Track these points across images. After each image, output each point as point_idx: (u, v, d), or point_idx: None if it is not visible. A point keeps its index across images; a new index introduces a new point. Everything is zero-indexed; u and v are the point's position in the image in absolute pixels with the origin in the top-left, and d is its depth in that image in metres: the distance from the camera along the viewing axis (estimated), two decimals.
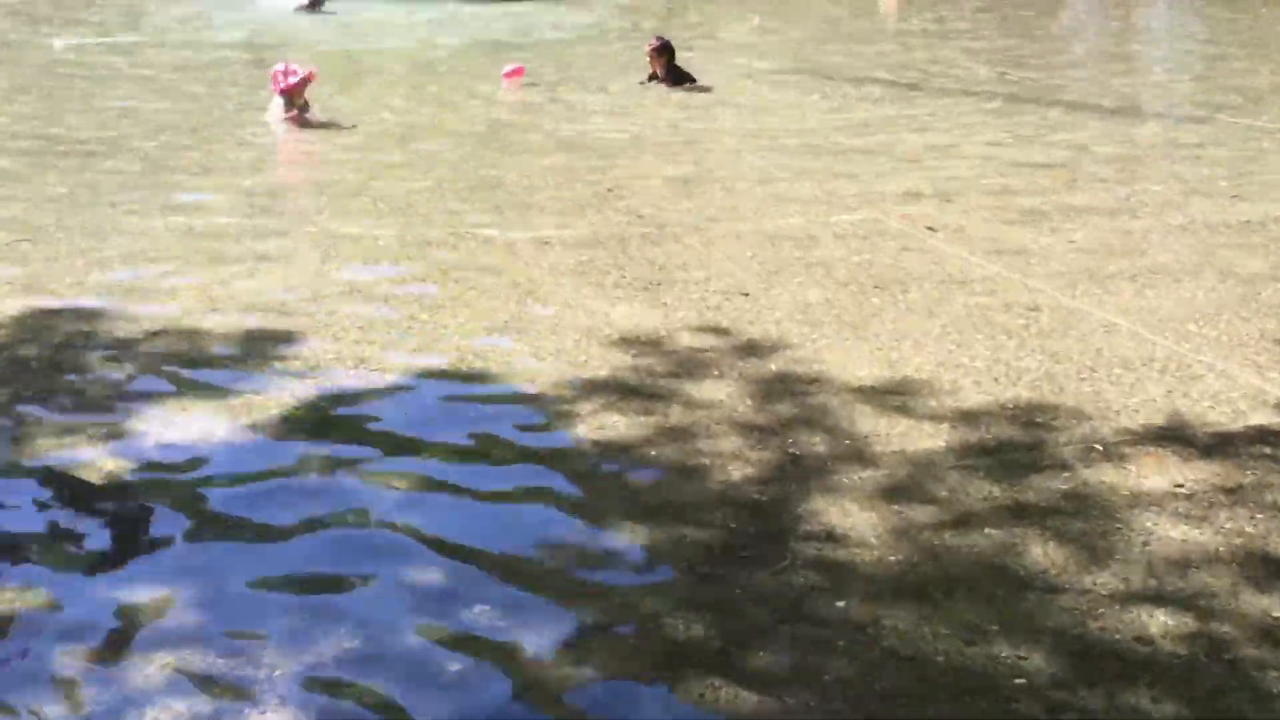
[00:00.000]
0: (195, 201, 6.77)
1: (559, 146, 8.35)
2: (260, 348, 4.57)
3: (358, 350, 4.54)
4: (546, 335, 4.73)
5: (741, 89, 10.86)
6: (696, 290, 5.33)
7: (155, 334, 4.67)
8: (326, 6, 15.69)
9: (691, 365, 4.46)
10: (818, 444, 3.78)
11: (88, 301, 5.04)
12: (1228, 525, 3.29)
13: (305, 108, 9.03)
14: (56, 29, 13.96)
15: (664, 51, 10.63)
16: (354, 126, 8.90)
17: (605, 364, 4.45)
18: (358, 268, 5.57)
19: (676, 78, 10.58)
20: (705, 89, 10.56)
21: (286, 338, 4.66)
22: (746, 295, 5.23)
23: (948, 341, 4.71)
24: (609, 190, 7.15)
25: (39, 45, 12.84)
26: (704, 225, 6.40)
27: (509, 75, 10.79)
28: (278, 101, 8.98)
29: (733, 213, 6.69)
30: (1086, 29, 16.53)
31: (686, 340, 4.72)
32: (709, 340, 4.72)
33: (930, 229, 6.30)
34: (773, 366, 4.46)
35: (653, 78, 10.61)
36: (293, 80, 8.97)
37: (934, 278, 5.50)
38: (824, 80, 11.28)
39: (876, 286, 5.38)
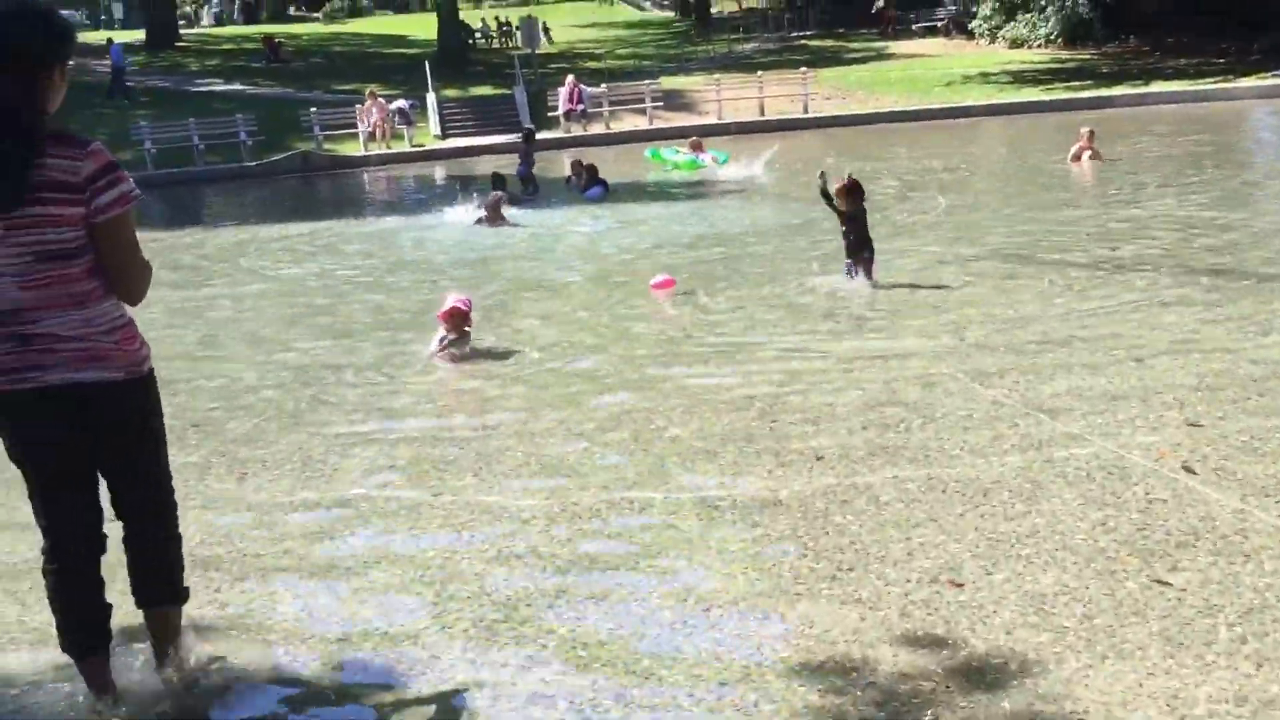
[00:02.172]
0: (330, 464, 6.12)
1: (721, 372, 7.49)
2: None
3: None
4: (706, 662, 3.75)
5: (933, 276, 9.90)
6: (897, 576, 4.30)
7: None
8: (514, 217, 15.55)
9: (900, 705, 3.41)
10: None
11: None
12: None
13: (464, 338, 8.50)
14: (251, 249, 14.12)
15: (853, 192, 9.74)
16: (513, 357, 8.27)
17: (783, 708, 3.44)
18: (482, 568, 4.73)
19: (860, 237, 9.71)
20: (904, 284, 9.66)
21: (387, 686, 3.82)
22: (960, 586, 4.16)
23: (1245, 659, 3.52)
24: (773, 424, 6.23)
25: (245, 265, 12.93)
26: (900, 473, 5.38)
27: (659, 287, 10.14)
28: (440, 332, 8.51)
29: (935, 453, 5.64)
30: None
31: (889, 662, 3.67)
32: (919, 661, 3.66)
33: (1187, 469, 5.12)
34: (1007, 705, 3.37)
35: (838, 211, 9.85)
36: (447, 308, 8.48)
37: (1206, 545, 4.32)
38: (1022, 263, 10.23)
39: (1132, 556, 4.24)
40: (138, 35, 46.97)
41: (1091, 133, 17.32)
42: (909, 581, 4.24)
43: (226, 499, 5.66)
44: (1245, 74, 28.92)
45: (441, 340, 8.43)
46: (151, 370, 3.49)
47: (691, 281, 10.61)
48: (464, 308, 8.50)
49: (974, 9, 39.70)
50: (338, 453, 6.32)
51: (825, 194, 9.90)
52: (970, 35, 40.74)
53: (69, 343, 3.26)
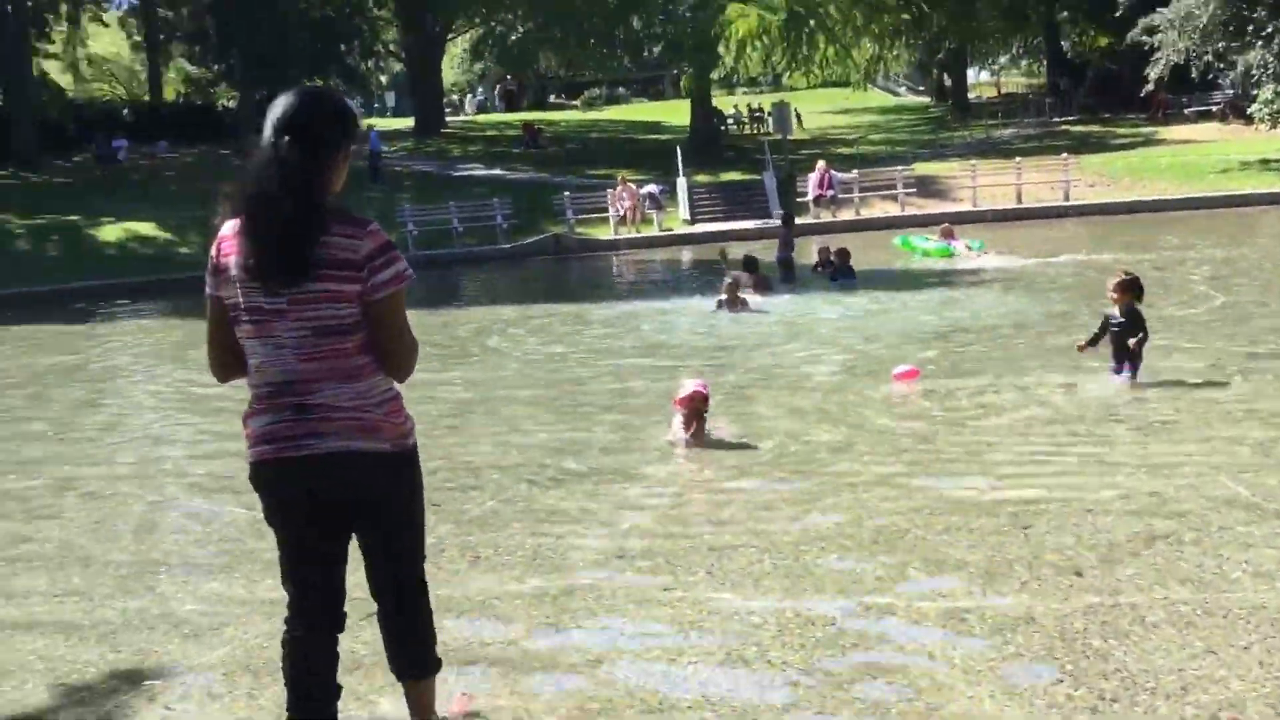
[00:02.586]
0: (561, 552, 6.03)
1: (969, 473, 7.05)
2: None
3: None
4: None
5: (1208, 378, 9.14)
6: (1169, 712, 3.84)
7: None
8: (757, 304, 15.44)
9: None
10: None
11: None
12: None
13: (701, 425, 8.34)
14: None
15: (1130, 288, 9.11)
16: (750, 449, 8.04)
17: None
18: (707, 674, 4.48)
19: (1132, 322, 9.06)
20: (1174, 385, 8.97)
21: None
22: None
23: None
24: (1026, 531, 5.78)
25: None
26: (1172, 595, 4.87)
27: (902, 377, 9.74)
28: (677, 419, 8.39)
29: (1213, 575, 5.09)
30: None
31: None
32: None
33: None
34: None
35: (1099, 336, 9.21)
36: (686, 394, 8.34)
37: None
38: None
39: None
40: (408, 122, 49.79)
41: None
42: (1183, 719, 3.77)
43: (457, 582, 5.63)
44: None
45: (679, 427, 8.30)
46: (415, 445, 3.56)
47: (938, 374, 10.18)
48: (703, 392, 8.35)
49: (1254, 92, 37.47)
50: (570, 539, 6.23)
51: (1095, 336, 9.35)
52: (1249, 120, 38.44)
53: (344, 413, 3.36)
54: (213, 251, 3.42)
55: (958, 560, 5.49)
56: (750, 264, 16.03)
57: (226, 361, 3.50)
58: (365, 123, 47.98)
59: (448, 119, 52.22)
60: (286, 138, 3.30)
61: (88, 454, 9.35)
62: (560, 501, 7.01)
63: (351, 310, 3.32)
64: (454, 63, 62.32)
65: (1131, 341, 9.02)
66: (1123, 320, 9.14)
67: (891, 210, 29.43)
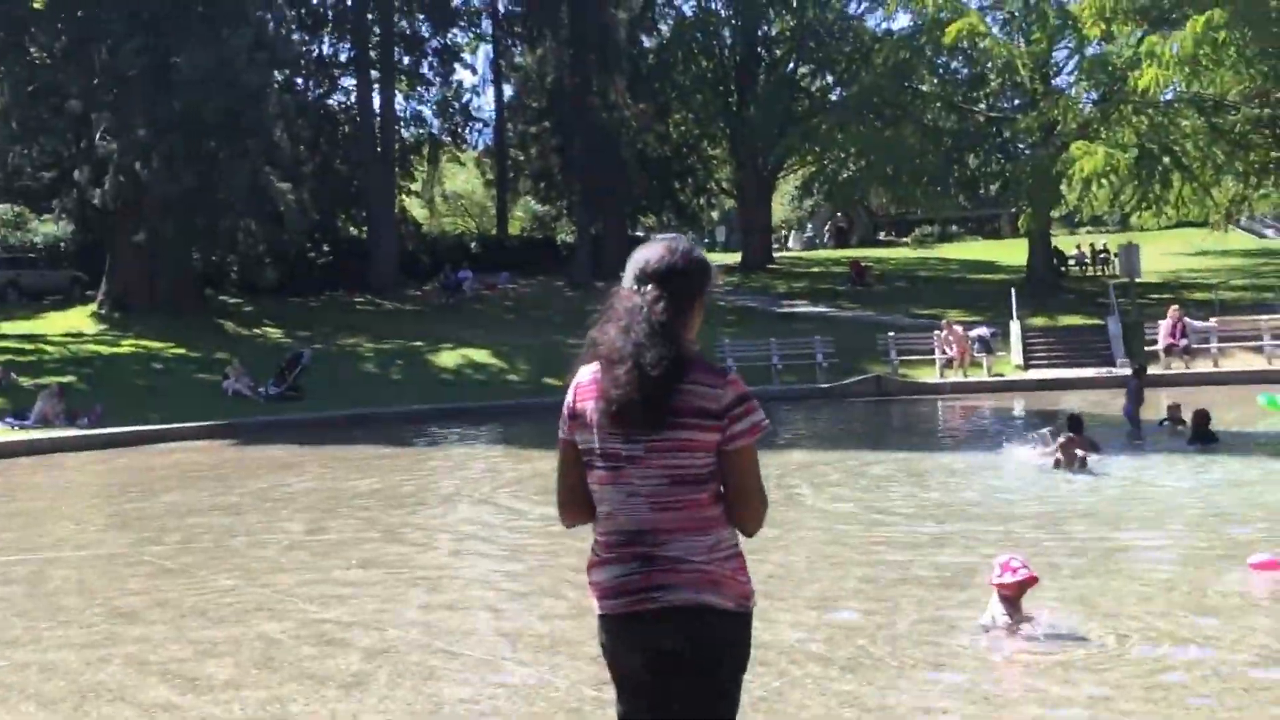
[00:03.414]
0: None
1: None
2: None
3: None
4: None
5: None
6: None
7: None
8: (1094, 464, 13.98)
9: None
10: None
11: None
12: None
13: (1024, 614, 7.26)
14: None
15: None
16: (1082, 641, 6.87)
17: None
18: None
19: None
20: None
21: None
22: None
23: None
24: None
25: None
26: None
27: (1261, 567, 8.25)
28: (996, 601, 7.34)
29: None
30: None
31: None
32: None
33: None
34: None
35: None
36: (1009, 580, 7.29)
37: None
38: None
39: None
40: (735, 257, 50.35)
41: None
42: None
43: None
44: None
45: (999, 611, 7.25)
46: (753, 608, 3.42)
47: None
48: (1035, 576, 7.28)
49: None
50: None
51: None
52: None
53: (693, 566, 3.30)
54: (569, 396, 3.46)
55: None
56: (1075, 424, 14.41)
57: (576, 507, 3.47)
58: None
59: (775, 254, 52.46)
60: (650, 285, 3.36)
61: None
62: (861, 686, 6.13)
63: (708, 460, 3.30)
64: (784, 199, 62.92)
65: None
66: None
67: (1256, 364, 26.70)
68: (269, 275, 35.61)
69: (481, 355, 30.75)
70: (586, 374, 3.44)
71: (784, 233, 69.28)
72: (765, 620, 7.55)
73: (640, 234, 52.16)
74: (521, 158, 50.47)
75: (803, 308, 38.18)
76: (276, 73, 35.81)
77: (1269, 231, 61.86)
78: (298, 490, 15.18)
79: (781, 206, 64.61)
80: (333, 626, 7.94)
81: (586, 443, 3.39)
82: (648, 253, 3.46)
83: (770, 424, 3.39)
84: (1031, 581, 7.30)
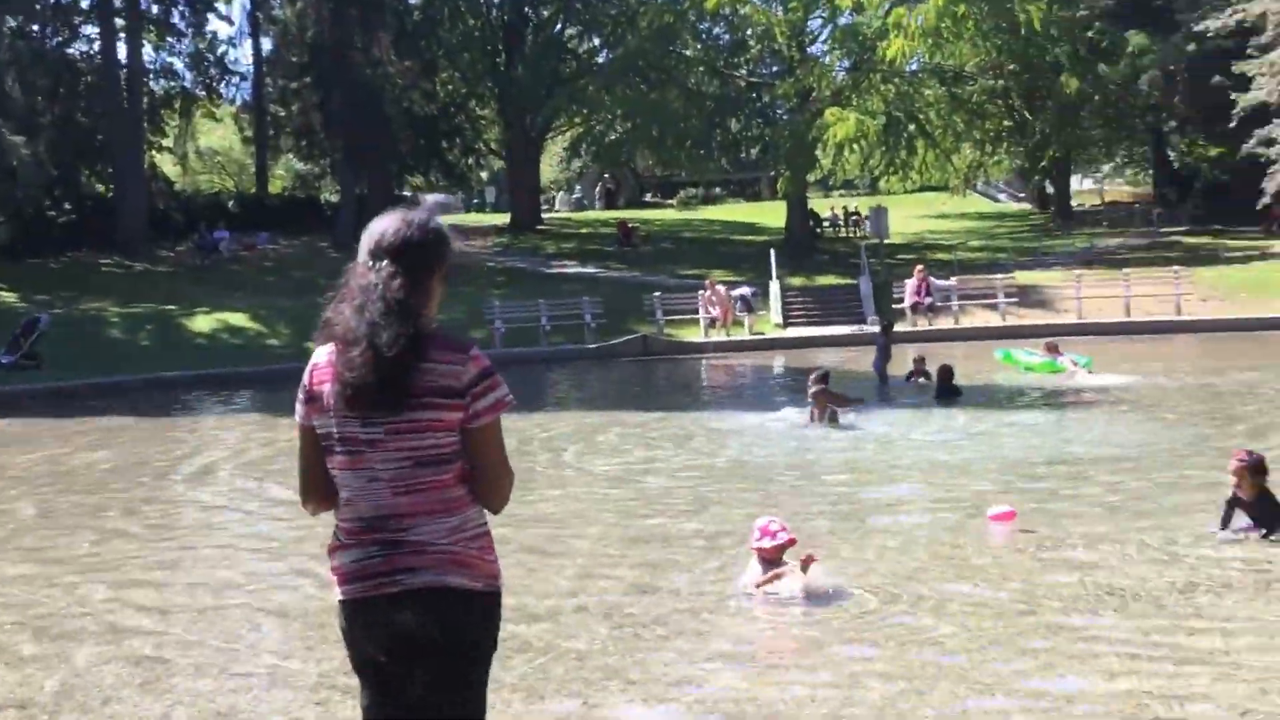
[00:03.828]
0: None
1: (1086, 654, 6.15)
2: None
3: None
4: None
5: None
6: None
7: None
8: (846, 419, 14.62)
9: None
10: None
11: None
12: None
13: (783, 575, 7.54)
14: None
15: (1256, 471, 8.10)
16: (841, 600, 7.21)
17: None
18: None
19: (1266, 510, 8.08)
20: None
21: None
22: None
23: None
24: None
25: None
26: None
27: (998, 519, 8.85)
28: (755, 564, 7.59)
29: None
30: None
31: None
32: None
33: None
34: None
35: (1232, 506, 8.22)
36: (768, 544, 7.55)
37: None
38: None
39: None
40: (505, 218, 50.05)
41: None
42: None
43: None
44: None
45: (757, 574, 7.50)
46: (501, 588, 3.35)
47: (1041, 517, 9.22)
48: (792, 539, 7.56)
49: None
50: (634, 712, 5.48)
51: (1226, 516, 8.35)
52: None
53: (438, 549, 3.21)
54: (305, 378, 3.32)
55: None
56: (822, 378, 14.98)
57: (319, 494, 3.36)
58: (478, 217, 48.48)
59: (543, 215, 52.41)
60: (385, 261, 3.25)
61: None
62: (625, 660, 6.24)
63: (452, 439, 3.21)
64: (552, 160, 62.85)
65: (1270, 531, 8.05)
66: (1250, 503, 8.14)
67: (992, 320, 28.44)
68: (1, 234, 33.30)
69: (239, 319, 29.62)
70: (322, 355, 3.32)
71: (553, 194, 69.25)
72: (528, 591, 7.60)
73: (407, 194, 51.18)
74: (282, 114, 48.55)
75: (571, 268, 38.35)
76: (10, 18, 33.32)
77: (1002, 196, 65.72)
78: (27, 467, 14.31)
79: (550, 168, 64.48)
80: (58, 618, 7.45)
81: (325, 427, 3.28)
82: (382, 225, 3.34)
83: (514, 400, 3.32)
84: (790, 543, 7.52)
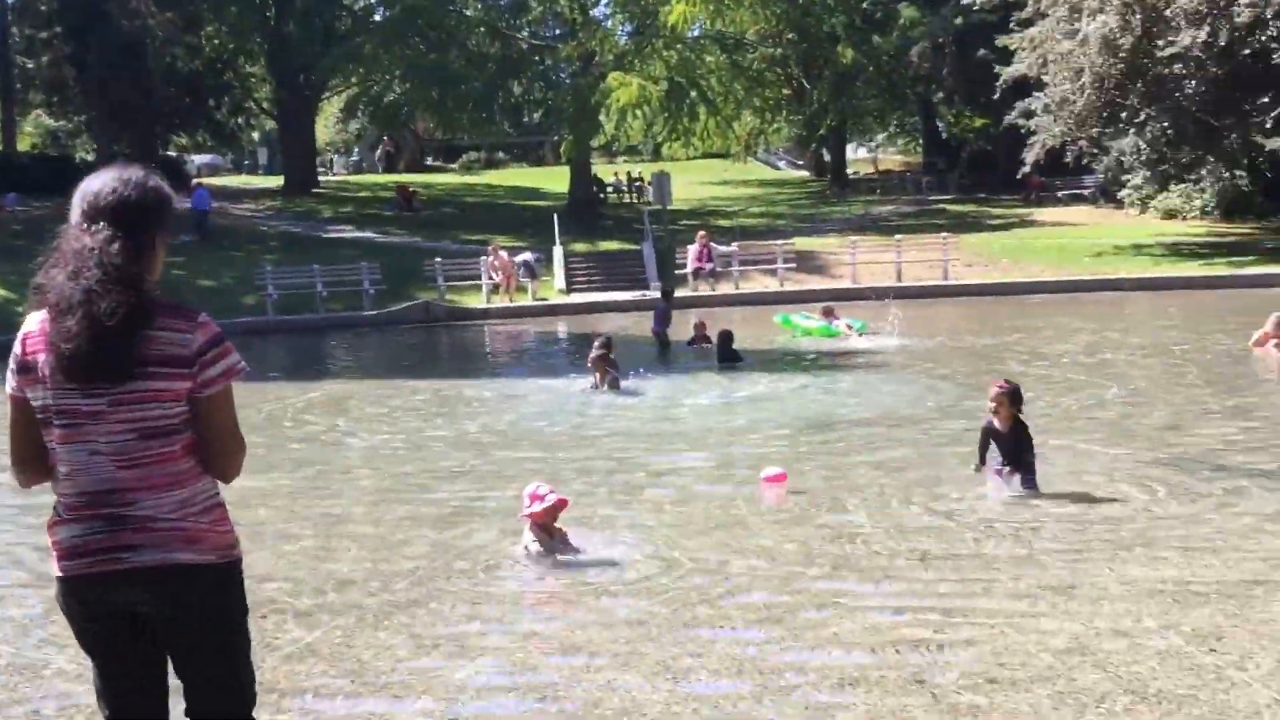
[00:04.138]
0: (392, 691, 4.89)
1: (855, 604, 6.11)
2: None
3: None
4: None
5: (1109, 486, 8.35)
6: None
7: None
8: (629, 384, 14.47)
9: None
10: None
11: None
12: None
13: (558, 539, 7.30)
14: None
15: (1013, 399, 8.32)
16: (616, 566, 6.99)
17: None
18: None
19: (1017, 436, 8.29)
20: (1074, 497, 8.16)
21: None
22: None
23: None
24: (934, 691, 4.82)
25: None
26: None
27: (770, 481, 8.84)
28: (528, 532, 7.32)
29: None
30: None
31: None
32: None
33: None
34: None
35: (987, 437, 8.42)
36: (539, 508, 7.29)
37: None
38: (1218, 473, 8.64)
39: None
40: (278, 180, 48.19)
41: None
42: None
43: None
44: None
45: (531, 542, 7.24)
46: (240, 559, 3.24)
47: (813, 477, 9.25)
48: (560, 501, 7.33)
49: (1124, 178, 38.24)
50: (398, 684, 5.11)
51: (982, 449, 8.54)
52: (1120, 204, 39.25)
53: (165, 523, 3.08)
54: (17, 347, 3.13)
55: None
56: (605, 344, 14.80)
57: (33, 467, 3.17)
58: (247, 179, 46.35)
59: (319, 178, 50.65)
60: (102, 223, 3.07)
61: None
62: (393, 638, 5.86)
63: (180, 409, 3.07)
64: (328, 121, 60.78)
65: (1021, 473, 8.27)
66: (1005, 433, 8.35)
67: (771, 285, 28.93)
68: None
69: None
70: (35, 323, 3.11)
71: (329, 156, 67.05)
72: (288, 570, 7.18)
73: (173, 154, 48.66)
74: (30, 66, 45.40)
75: (349, 233, 37.16)
76: None
77: (781, 163, 67.25)
78: None
79: (326, 129, 62.39)
80: None
81: (40, 399, 3.09)
82: (96, 184, 3.16)
83: (246, 368, 3.18)
84: (562, 505, 7.34)
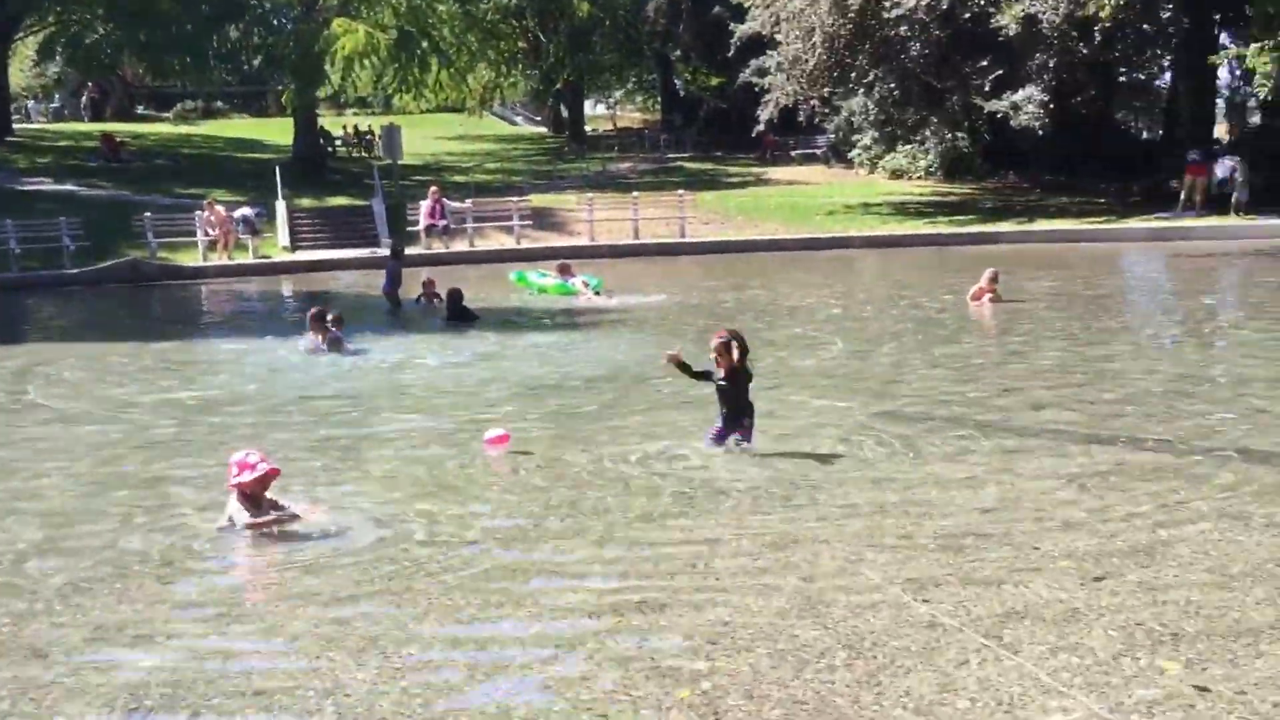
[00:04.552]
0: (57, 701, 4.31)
1: (569, 563, 5.88)
2: None
3: None
4: None
5: (832, 441, 8.41)
6: None
7: None
8: (355, 344, 13.81)
9: None
10: None
11: None
12: None
13: (268, 510, 6.76)
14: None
15: (732, 349, 8.14)
16: (329, 538, 6.51)
17: None
18: None
19: (739, 386, 8.18)
20: (797, 454, 8.17)
21: None
22: None
23: None
24: (653, 652, 4.62)
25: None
26: None
27: (493, 443, 8.56)
28: (234, 502, 6.75)
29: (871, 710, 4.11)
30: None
31: None
32: None
33: None
34: None
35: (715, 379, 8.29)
36: (248, 477, 6.73)
37: None
38: (937, 425, 8.88)
39: None
40: None
41: (995, 275, 16.28)
42: None
43: None
44: (1126, 215, 28.93)
45: (238, 510, 6.68)
46: None
47: (539, 439, 8.98)
48: (271, 470, 6.79)
49: (854, 138, 39.60)
50: (72, 693, 4.53)
51: (687, 370, 8.41)
52: (850, 164, 40.64)
53: None
54: None
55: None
56: (320, 314, 13.92)
57: None
58: None
59: (14, 126, 46.60)
60: None
61: None
62: (69, 623, 5.23)
63: None
64: (24, 64, 55.97)
65: (745, 419, 8.19)
66: (727, 382, 8.20)
67: (507, 243, 28.52)
68: None
69: None
70: None
71: (25, 103, 61.88)
72: None
73: None
74: None
75: (48, 186, 34.29)
76: None
77: (519, 119, 66.60)
78: None
79: (21, 73, 57.40)
80: None
81: None
82: None
83: None
84: (273, 474, 6.86)
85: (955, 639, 4.77)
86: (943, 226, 28.88)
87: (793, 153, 44.72)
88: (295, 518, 6.78)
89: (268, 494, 6.86)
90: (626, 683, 4.48)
